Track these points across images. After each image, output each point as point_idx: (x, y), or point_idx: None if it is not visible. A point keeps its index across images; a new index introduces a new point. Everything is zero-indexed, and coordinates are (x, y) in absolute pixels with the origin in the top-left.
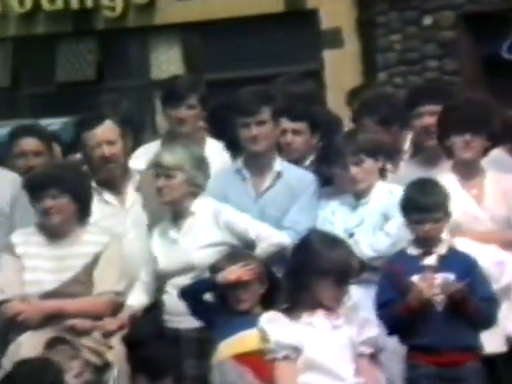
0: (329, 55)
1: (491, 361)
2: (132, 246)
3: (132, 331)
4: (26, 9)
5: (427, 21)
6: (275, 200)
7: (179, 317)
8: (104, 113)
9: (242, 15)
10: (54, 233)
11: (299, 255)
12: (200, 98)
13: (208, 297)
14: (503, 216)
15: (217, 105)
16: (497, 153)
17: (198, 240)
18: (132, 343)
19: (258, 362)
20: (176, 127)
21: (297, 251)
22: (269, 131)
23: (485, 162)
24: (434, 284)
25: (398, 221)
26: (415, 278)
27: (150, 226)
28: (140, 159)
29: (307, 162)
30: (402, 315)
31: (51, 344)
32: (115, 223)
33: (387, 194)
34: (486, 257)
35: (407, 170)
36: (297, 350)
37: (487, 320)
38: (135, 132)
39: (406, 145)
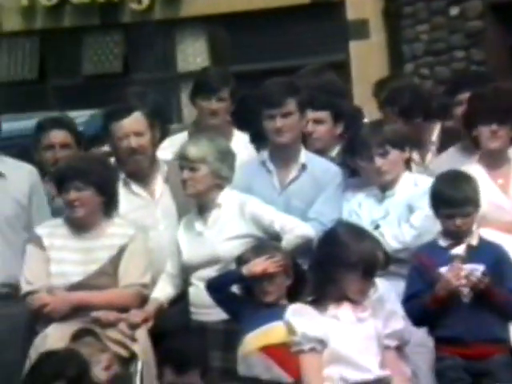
0: (355, 46)
1: None
2: (162, 237)
3: (159, 323)
4: (52, 2)
5: (454, 11)
6: (300, 192)
7: (205, 309)
8: (132, 104)
9: (267, 7)
10: (79, 225)
11: (326, 247)
12: (231, 91)
13: (234, 289)
14: None
15: (242, 97)
16: None
17: (223, 232)
18: (159, 335)
19: (284, 354)
20: (207, 119)
21: (323, 243)
22: (294, 123)
23: (511, 152)
24: (460, 274)
25: (422, 212)
26: (443, 269)
27: (179, 217)
28: (167, 150)
29: (333, 153)
30: (429, 306)
31: (78, 336)
32: (144, 215)
33: (412, 185)
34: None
35: (447, 158)
36: (323, 343)
37: None
38: (163, 124)
39: (433, 136)
